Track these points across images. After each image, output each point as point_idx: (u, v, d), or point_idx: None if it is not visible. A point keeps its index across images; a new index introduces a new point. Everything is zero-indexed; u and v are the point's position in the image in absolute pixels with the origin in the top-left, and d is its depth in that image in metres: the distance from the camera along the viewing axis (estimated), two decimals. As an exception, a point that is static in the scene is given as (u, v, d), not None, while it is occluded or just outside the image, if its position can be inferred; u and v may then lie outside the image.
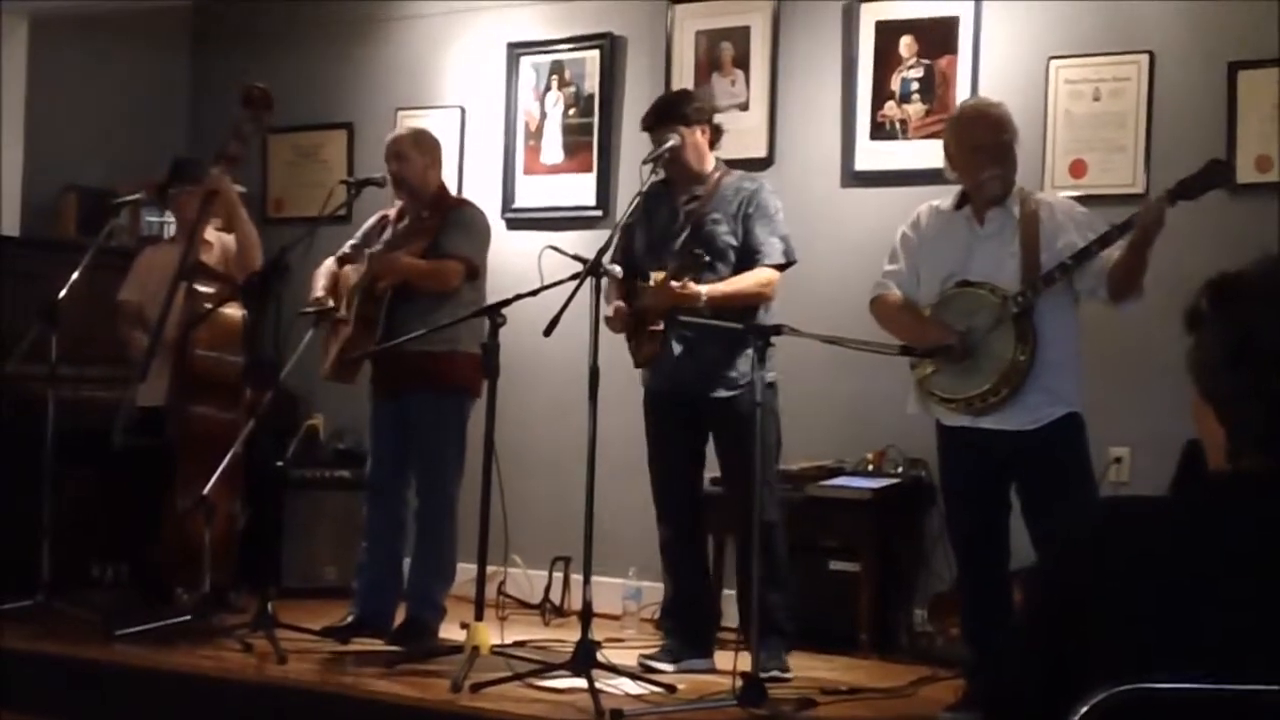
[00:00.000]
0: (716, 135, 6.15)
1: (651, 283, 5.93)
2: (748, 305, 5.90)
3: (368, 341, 6.28)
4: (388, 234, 6.53)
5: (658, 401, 6.14)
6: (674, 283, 5.77)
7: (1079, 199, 5.58)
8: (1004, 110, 5.40)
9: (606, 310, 5.96)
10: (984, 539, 5.31)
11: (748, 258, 5.95)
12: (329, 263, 6.59)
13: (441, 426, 6.38)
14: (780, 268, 5.99)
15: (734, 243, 5.96)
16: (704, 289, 5.82)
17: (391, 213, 6.62)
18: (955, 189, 5.44)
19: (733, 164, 6.25)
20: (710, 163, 6.11)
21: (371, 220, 6.69)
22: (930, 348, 5.35)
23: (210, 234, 6.90)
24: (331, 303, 6.43)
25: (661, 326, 5.92)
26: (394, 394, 6.42)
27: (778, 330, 5.59)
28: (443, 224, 6.42)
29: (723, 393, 5.92)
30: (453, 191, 7.84)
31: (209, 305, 6.65)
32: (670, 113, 6.07)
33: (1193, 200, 4.96)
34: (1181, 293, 2.09)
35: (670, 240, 6.03)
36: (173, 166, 7.12)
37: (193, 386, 6.73)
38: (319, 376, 6.64)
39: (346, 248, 6.63)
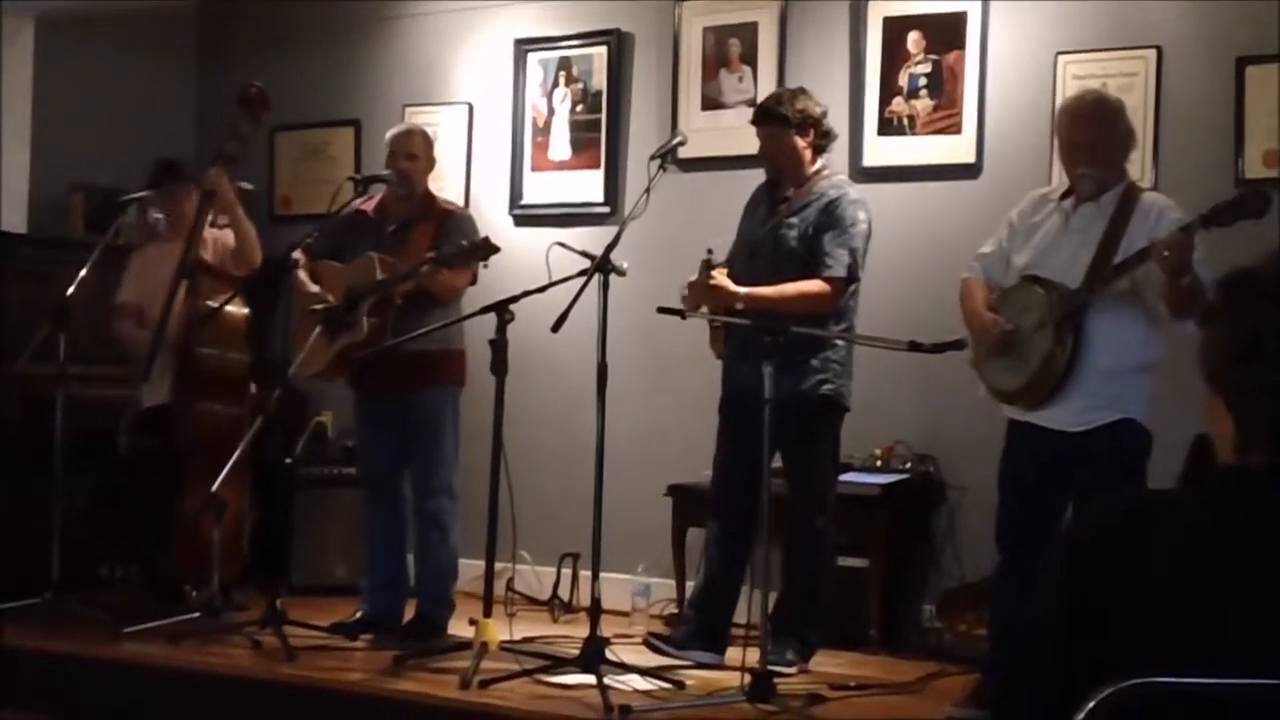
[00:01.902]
0: (824, 139, 6.11)
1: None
2: (798, 313, 5.80)
3: (380, 343, 6.24)
4: (372, 232, 6.47)
5: (726, 401, 6.16)
6: (707, 281, 5.81)
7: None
8: (1115, 109, 5.33)
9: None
10: (1025, 533, 5.22)
11: (814, 265, 5.93)
12: (301, 256, 6.51)
13: (440, 421, 6.42)
14: (844, 281, 5.94)
15: (798, 249, 5.96)
16: (744, 290, 5.82)
17: (369, 207, 6.57)
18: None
19: (741, 160, 6.25)
20: (811, 166, 6.08)
21: (344, 212, 6.54)
22: (938, 344, 5.36)
23: (205, 231, 6.89)
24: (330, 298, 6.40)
25: (719, 324, 5.96)
26: (389, 393, 6.41)
27: (784, 329, 5.58)
28: (442, 231, 6.40)
29: (779, 398, 5.87)
30: (460, 188, 7.89)
31: (213, 304, 6.65)
32: (771, 113, 6.06)
33: (1225, 227, 4.80)
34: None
35: (753, 237, 6.04)
36: (156, 167, 7.11)
37: (197, 384, 6.75)
38: (305, 375, 6.52)
39: (311, 238, 6.53)
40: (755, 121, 6.13)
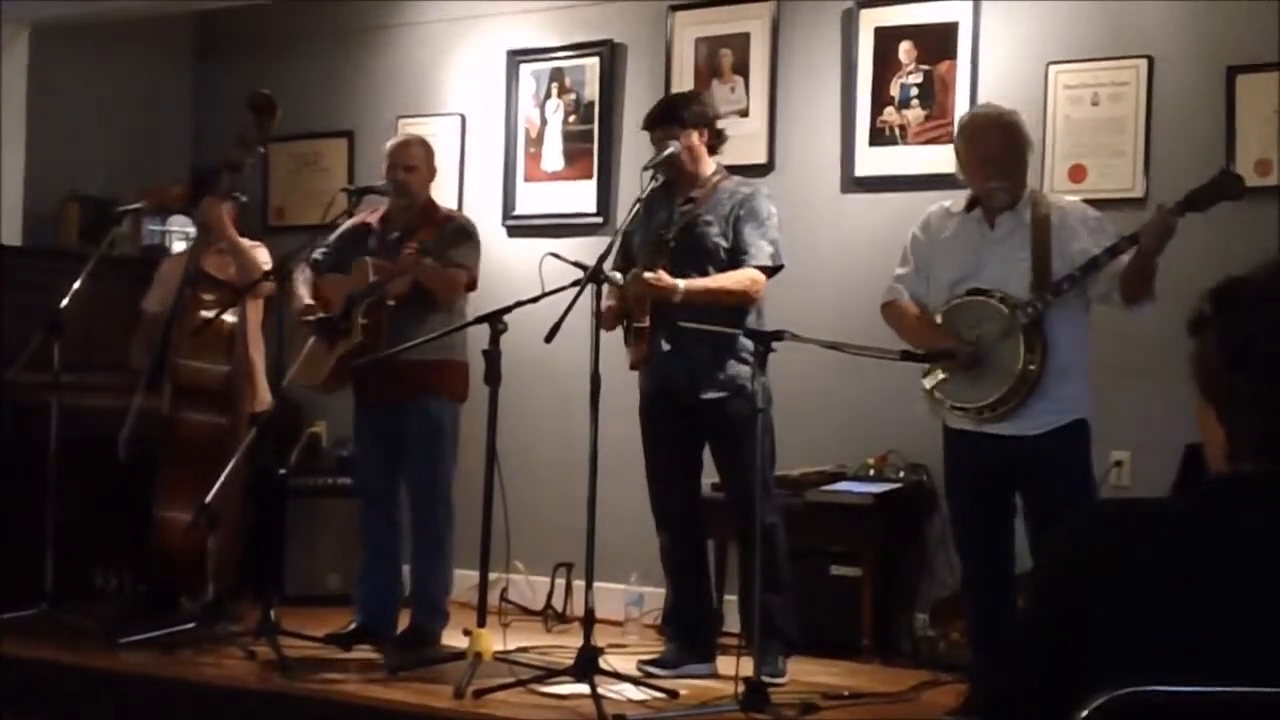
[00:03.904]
0: (717, 139, 6.16)
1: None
2: (731, 305, 5.86)
3: (374, 350, 6.25)
4: (373, 241, 6.50)
5: (651, 404, 6.14)
6: (647, 274, 5.78)
7: (1076, 204, 5.58)
8: (1015, 118, 5.38)
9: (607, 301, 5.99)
10: (986, 542, 5.32)
11: (736, 259, 5.95)
12: (305, 270, 6.55)
13: (437, 434, 6.40)
14: (768, 271, 5.97)
15: (724, 244, 5.96)
16: (682, 283, 5.82)
17: (373, 219, 6.59)
18: (963, 190, 5.44)
19: (733, 170, 6.26)
20: (709, 167, 6.11)
21: (348, 224, 6.59)
22: (931, 352, 5.37)
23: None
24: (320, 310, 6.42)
25: (647, 324, 5.91)
26: (385, 402, 6.41)
27: (779, 335, 5.60)
28: (441, 234, 6.41)
29: (713, 394, 5.91)
30: (453, 198, 7.89)
31: (207, 314, 6.65)
32: (669, 115, 6.09)
33: (1202, 212, 4.91)
34: (1181, 297, 2.11)
35: (661, 239, 6.02)
36: (195, 180, 7.14)
37: (177, 394, 6.75)
38: (308, 387, 6.58)
39: (318, 253, 6.58)
40: (650, 126, 6.16)
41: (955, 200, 5.47)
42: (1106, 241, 5.09)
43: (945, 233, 5.43)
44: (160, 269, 7.23)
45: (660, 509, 6.19)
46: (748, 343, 5.83)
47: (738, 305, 5.90)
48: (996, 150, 5.28)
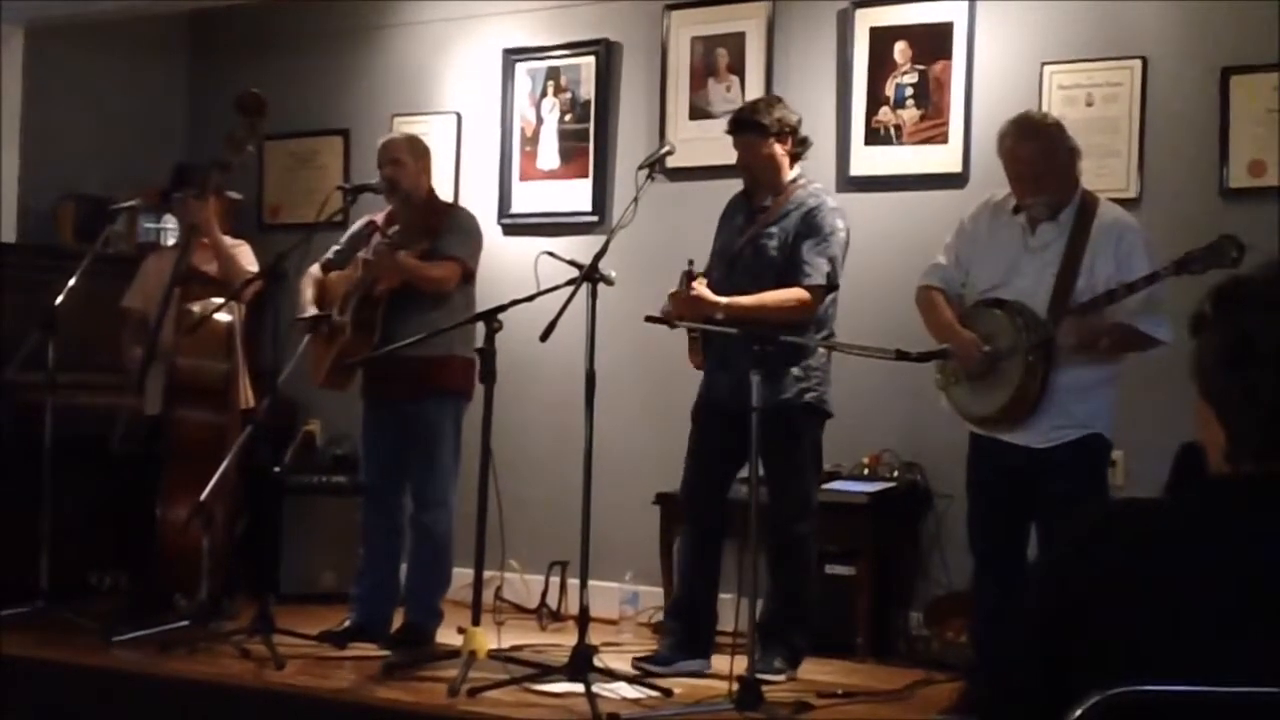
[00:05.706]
0: (801, 146, 6.13)
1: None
2: (779, 322, 5.84)
3: (365, 347, 6.28)
4: (377, 239, 6.51)
5: (701, 408, 6.17)
6: (689, 292, 5.82)
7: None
8: (1050, 130, 5.31)
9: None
10: (998, 544, 5.29)
11: (792, 276, 5.94)
12: (314, 270, 6.58)
13: (437, 432, 6.39)
14: (823, 289, 5.95)
15: (778, 259, 5.96)
16: (724, 300, 5.83)
17: (379, 218, 6.60)
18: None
19: (729, 170, 6.27)
20: (789, 174, 6.10)
21: (357, 225, 6.66)
22: (925, 353, 5.38)
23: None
24: (314, 310, 6.44)
25: (698, 336, 5.97)
26: (388, 399, 6.42)
27: (773, 338, 5.59)
28: (438, 227, 6.43)
29: (756, 406, 5.88)
30: (448, 197, 7.89)
31: (199, 313, 6.65)
32: (751, 123, 6.06)
33: (1196, 275, 4.75)
34: (1176, 298, 2.11)
35: (731, 247, 6.05)
36: (174, 172, 7.15)
37: (177, 393, 6.75)
38: (313, 385, 6.64)
39: (330, 254, 6.62)
40: (732, 131, 6.13)
41: (1010, 194, 5.38)
42: (1128, 277, 5.03)
43: (990, 231, 5.38)
44: (143, 265, 7.23)
45: (689, 505, 6.21)
46: (799, 355, 5.89)
47: (788, 322, 5.86)
48: (1029, 167, 5.22)
